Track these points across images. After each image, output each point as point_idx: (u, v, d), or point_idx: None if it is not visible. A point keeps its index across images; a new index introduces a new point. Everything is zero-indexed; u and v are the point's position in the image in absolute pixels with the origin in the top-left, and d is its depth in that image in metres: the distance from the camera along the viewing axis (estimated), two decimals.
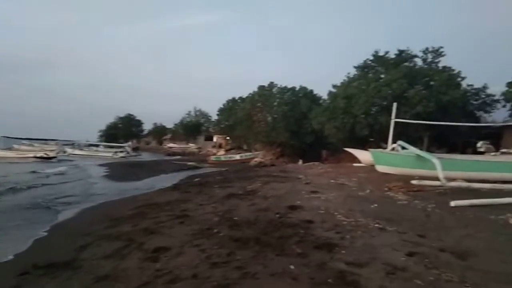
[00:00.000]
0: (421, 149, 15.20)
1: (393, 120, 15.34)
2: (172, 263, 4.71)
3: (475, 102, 25.37)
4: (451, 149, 22.11)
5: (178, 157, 48.82)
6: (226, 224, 6.74)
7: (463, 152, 19.75)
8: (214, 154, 45.30)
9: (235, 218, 7.31)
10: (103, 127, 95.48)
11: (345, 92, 24.33)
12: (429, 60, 25.31)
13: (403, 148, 13.52)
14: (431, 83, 23.41)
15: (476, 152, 16.97)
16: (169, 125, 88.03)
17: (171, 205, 9.49)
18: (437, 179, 10.53)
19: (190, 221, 7.28)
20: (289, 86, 37.93)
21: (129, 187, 16.04)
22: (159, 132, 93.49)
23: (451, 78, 23.49)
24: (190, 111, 76.35)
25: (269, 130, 36.00)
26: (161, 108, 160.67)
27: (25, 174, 20.88)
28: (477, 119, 24.89)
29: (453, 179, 10.84)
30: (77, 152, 47.81)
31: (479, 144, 17.11)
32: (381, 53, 26.20)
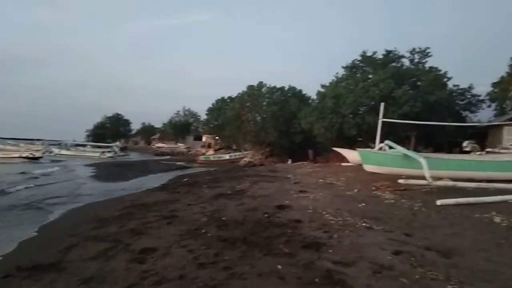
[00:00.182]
0: (408, 149, 15.36)
1: (380, 120, 15.46)
2: (159, 264, 4.67)
3: (461, 102, 25.88)
4: (438, 149, 22.42)
5: (167, 157, 48.60)
6: (214, 224, 6.72)
7: (449, 151, 20.04)
8: (203, 154, 45.24)
9: (223, 218, 7.29)
10: (91, 127, 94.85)
11: (333, 92, 24.47)
12: (416, 60, 25.68)
13: (391, 147, 13.64)
14: (418, 83, 23.76)
15: (462, 151, 17.24)
16: (158, 124, 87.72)
17: (159, 205, 9.41)
18: (423, 178, 10.64)
19: (178, 221, 7.23)
20: (278, 86, 38.04)
21: (116, 188, 15.87)
22: (148, 131, 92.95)
23: (437, 78, 23.88)
24: (179, 111, 76.19)
25: (258, 130, 35.97)
26: (150, 108, 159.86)
27: (13, 175, 20.45)
28: (463, 119, 25.36)
29: (440, 178, 10.96)
30: (64, 152, 47.29)
31: (464, 143, 17.39)
32: (369, 54, 26.45)
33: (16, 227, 8.28)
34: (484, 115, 27.26)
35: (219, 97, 49.13)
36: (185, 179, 18.04)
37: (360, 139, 23.55)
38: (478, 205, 8.09)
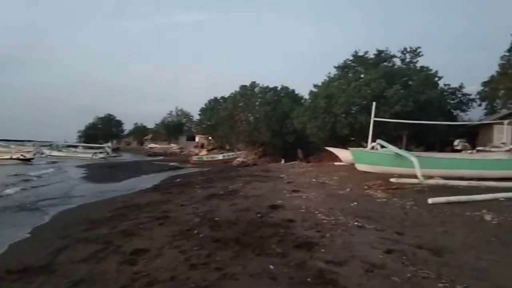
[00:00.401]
0: (400, 148, 15.48)
1: (372, 119, 15.54)
2: (150, 265, 4.64)
3: (451, 101, 26.13)
4: (429, 147, 22.60)
5: (160, 157, 48.43)
6: (206, 225, 6.69)
7: (441, 150, 20.23)
8: (196, 154, 45.14)
9: (216, 218, 7.26)
10: (82, 128, 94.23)
11: (325, 92, 24.56)
12: (407, 60, 25.88)
13: (383, 146, 13.73)
14: (409, 82, 23.94)
15: (453, 150, 17.40)
16: (150, 125, 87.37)
17: (151, 206, 9.35)
18: (415, 177, 10.73)
19: (170, 222, 7.19)
20: (271, 85, 38.08)
21: (108, 189, 15.74)
22: (140, 132, 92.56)
23: (428, 77, 24.09)
24: (171, 111, 75.92)
25: (251, 130, 35.97)
26: (142, 108, 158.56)
27: (5, 177, 20.11)
28: (454, 118, 25.62)
29: (431, 177, 11.06)
30: (55, 153, 46.86)
31: (455, 142, 17.55)
32: (360, 53, 26.59)
33: (8, 229, 8.15)
34: (475, 114, 27.59)
35: (212, 97, 49.12)
36: (178, 180, 17.97)
37: (353, 138, 23.66)
38: (469, 203, 8.15)
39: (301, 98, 35.47)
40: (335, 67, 27.74)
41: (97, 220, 8.13)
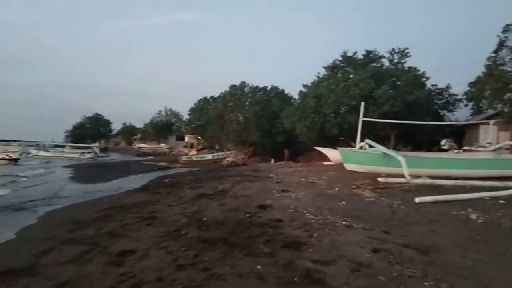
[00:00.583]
0: (388, 147, 15.63)
1: (361, 119, 15.64)
2: (136, 266, 4.58)
3: (439, 102, 26.47)
4: (417, 147, 22.87)
5: (149, 157, 48.09)
6: (194, 225, 6.65)
7: (428, 149, 20.47)
8: (186, 154, 44.90)
9: (204, 218, 7.22)
10: (70, 127, 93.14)
11: (315, 92, 24.66)
12: (396, 60, 26.10)
13: (371, 146, 13.82)
14: (398, 83, 24.17)
15: (440, 150, 17.63)
16: (139, 125, 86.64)
17: (139, 207, 9.26)
18: (403, 176, 10.83)
19: (158, 223, 7.13)
20: (261, 85, 38.11)
21: (95, 189, 15.57)
22: (129, 132, 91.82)
23: (416, 78, 24.34)
24: (160, 111, 75.35)
25: (241, 130, 35.93)
26: (131, 108, 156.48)
27: None
28: (441, 118, 25.94)
29: (418, 176, 11.17)
30: (42, 153, 46.24)
31: (442, 142, 17.78)
32: (349, 54, 26.75)
33: None
34: (462, 114, 28.00)
35: (202, 97, 48.94)
36: (167, 180, 17.85)
37: (342, 138, 23.80)
38: (455, 202, 8.28)
39: (291, 98, 35.57)
40: (324, 67, 27.91)
41: (84, 221, 8.03)
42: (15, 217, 9.69)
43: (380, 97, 21.67)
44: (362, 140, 14.89)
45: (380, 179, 11.31)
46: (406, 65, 25.96)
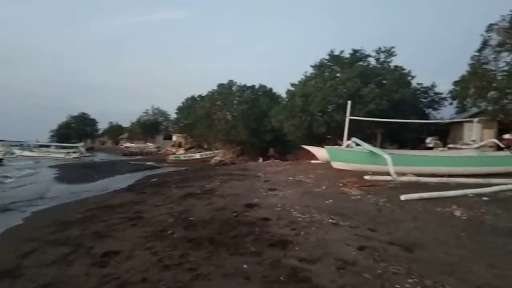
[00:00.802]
0: (375, 145, 15.77)
1: (348, 118, 15.73)
2: (121, 267, 4.52)
3: (424, 100, 26.81)
4: (403, 145, 23.13)
5: (137, 157, 47.60)
6: (181, 225, 6.59)
7: (414, 147, 20.71)
8: (174, 154, 44.60)
9: (191, 218, 7.16)
10: (55, 127, 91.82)
11: (302, 91, 24.75)
12: (382, 59, 26.32)
13: (357, 144, 13.92)
14: (384, 81, 24.38)
15: (426, 147, 17.86)
16: (126, 124, 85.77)
17: (125, 207, 9.13)
18: (389, 174, 10.93)
19: (144, 223, 7.05)
20: (249, 84, 38.10)
21: (81, 189, 15.34)
22: (115, 131, 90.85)
23: (402, 77, 24.60)
24: (148, 110, 74.61)
25: (229, 129, 35.89)
26: (118, 107, 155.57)
27: None
28: (427, 116, 26.30)
29: (404, 174, 11.29)
30: (26, 153, 45.35)
31: (427, 140, 18.04)
32: (336, 53, 26.88)
33: None
34: (446, 113, 28.45)
35: (189, 96, 48.67)
36: (154, 179, 17.71)
37: (329, 136, 23.94)
38: (440, 199, 8.36)
39: (279, 97, 35.63)
40: (311, 66, 27.98)
41: (68, 221, 7.89)
42: (0, 218, 9.51)
43: (367, 95, 21.85)
44: (349, 139, 14.98)
45: (366, 177, 11.39)
46: (392, 64, 26.22)
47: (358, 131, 19.31)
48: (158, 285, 3.89)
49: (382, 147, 18.19)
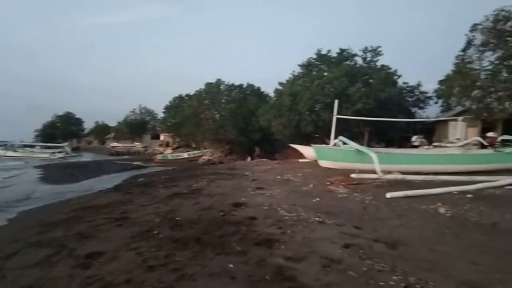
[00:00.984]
0: (362, 144, 15.89)
1: (335, 117, 15.82)
2: (105, 268, 4.45)
3: (410, 99, 27.10)
4: (390, 143, 23.38)
5: (124, 156, 47.11)
6: (167, 225, 6.53)
7: (400, 146, 20.95)
8: (161, 153, 44.27)
9: (177, 218, 7.11)
10: (40, 126, 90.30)
11: (290, 90, 24.77)
12: (368, 59, 26.50)
13: (345, 143, 14.01)
14: (370, 81, 24.55)
15: (412, 146, 18.09)
16: (113, 123, 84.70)
17: (110, 207, 9.02)
18: (375, 172, 11.03)
19: (130, 223, 6.97)
20: (237, 83, 37.99)
21: (66, 190, 15.16)
22: (102, 131, 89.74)
23: (388, 76, 24.81)
24: (134, 109, 73.66)
25: (217, 128, 35.74)
26: (104, 106, 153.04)
27: None
28: (412, 115, 26.61)
29: (390, 172, 11.40)
30: (10, 153, 44.68)
31: (413, 138, 18.26)
32: (323, 52, 26.98)
33: None
34: (432, 111, 28.81)
35: (177, 95, 48.33)
36: (141, 179, 17.56)
37: (317, 135, 24.02)
38: (424, 197, 8.47)
39: (267, 96, 35.63)
40: (299, 65, 28.02)
41: (52, 222, 7.77)
42: None
43: (354, 94, 21.98)
44: (336, 137, 15.06)
45: (353, 175, 11.48)
46: (378, 63, 26.43)
47: (345, 130, 19.43)
48: (142, 286, 3.85)
49: (369, 145, 18.34)
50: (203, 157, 35.41)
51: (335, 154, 14.22)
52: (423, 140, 18.38)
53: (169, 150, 46.72)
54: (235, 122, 34.00)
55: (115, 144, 68.32)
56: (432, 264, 4.27)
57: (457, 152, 14.28)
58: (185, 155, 38.74)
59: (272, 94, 31.28)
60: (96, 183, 17.75)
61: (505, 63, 17.08)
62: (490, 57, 17.66)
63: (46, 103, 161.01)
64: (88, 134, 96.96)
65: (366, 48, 26.40)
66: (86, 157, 49.51)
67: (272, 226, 6.14)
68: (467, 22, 18.15)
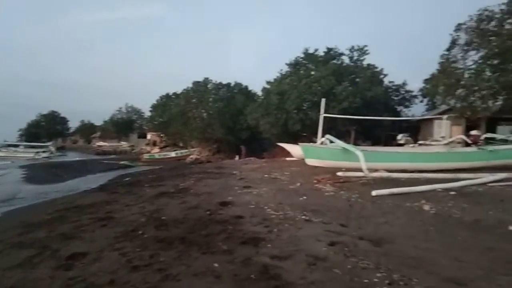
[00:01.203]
0: (348, 143, 16.00)
1: (322, 115, 15.88)
2: (88, 269, 4.37)
3: (396, 98, 27.43)
4: (376, 142, 23.62)
5: (111, 156, 46.56)
6: (152, 225, 6.45)
7: (386, 144, 21.17)
8: (148, 152, 43.88)
9: (163, 217, 7.04)
10: (24, 126, 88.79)
11: (278, 88, 24.83)
12: (355, 58, 26.72)
13: (331, 141, 14.08)
14: (357, 79, 24.77)
15: (398, 144, 18.27)
16: (99, 122, 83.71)
17: (95, 207, 8.88)
18: (361, 170, 11.11)
19: (114, 223, 6.87)
20: (224, 82, 37.89)
21: (50, 190, 14.94)
22: (87, 130, 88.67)
23: (374, 75, 25.06)
24: (121, 108, 72.87)
25: (204, 127, 35.60)
26: (90, 105, 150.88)
27: None
28: (398, 114, 26.95)
29: (376, 170, 11.51)
30: None
31: (399, 136, 18.45)
32: (311, 51, 27.11)
33: None
34: (417, 110, 29.24)
35: (164, 93, 47.94)
36: (127, 179, 17.38)
37: (304, 134, 24.11)
38: (410, 194, 8.57)
39: (254, 94, 35.62)
40: (287, 64, 28.11)
41: (35, 223, 7.62)
42: None
43: (341, 93, 22.14)
44: (323, 136, 15.12)
45: (339, 173, 11.55)
46: (365, 63, 26.67)
47: (332, 128, 19.55)
48: (126, 286, 3.79)
49: (356, 144, 18.50)
50: (191, 156, 35.23)
51: (322, 153, 14.29)
52: (409, 138, 18.60)
53: (156, 149, 46.35)
54: (223, 120, 33.91)
55: (101, 143, 67.54)
56: (416, 261, 4.30)
57: (441, 150, 14.48)
58: (173, 154, 38.48)
59: (259, 93, 31.33)
60: (81, 183, 17.52)
61: (488, 62, 17.42)
62: (474, 56, 18.01)
63: (30, 102, 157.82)
64: (73, 133, 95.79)
65: (353, 47, 26.65)
66: (72, 156, 48.81)
67: (258, 224, 6.12)
68: (454, 20, 18.46)
